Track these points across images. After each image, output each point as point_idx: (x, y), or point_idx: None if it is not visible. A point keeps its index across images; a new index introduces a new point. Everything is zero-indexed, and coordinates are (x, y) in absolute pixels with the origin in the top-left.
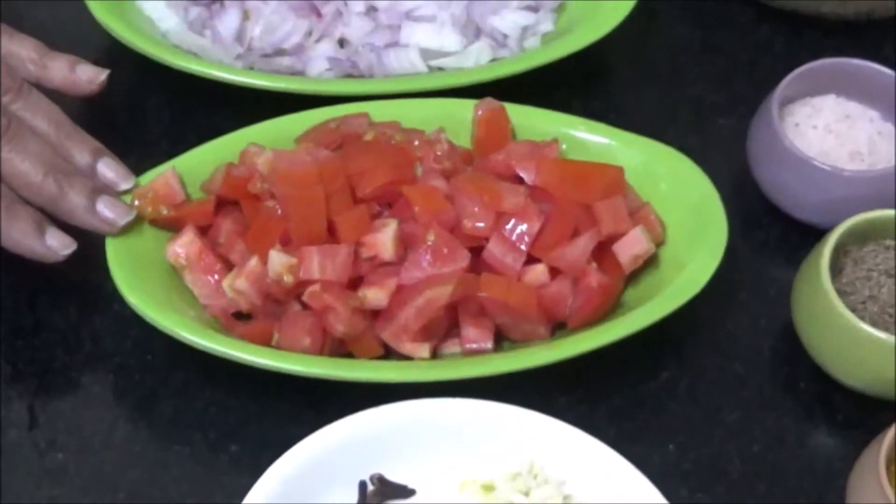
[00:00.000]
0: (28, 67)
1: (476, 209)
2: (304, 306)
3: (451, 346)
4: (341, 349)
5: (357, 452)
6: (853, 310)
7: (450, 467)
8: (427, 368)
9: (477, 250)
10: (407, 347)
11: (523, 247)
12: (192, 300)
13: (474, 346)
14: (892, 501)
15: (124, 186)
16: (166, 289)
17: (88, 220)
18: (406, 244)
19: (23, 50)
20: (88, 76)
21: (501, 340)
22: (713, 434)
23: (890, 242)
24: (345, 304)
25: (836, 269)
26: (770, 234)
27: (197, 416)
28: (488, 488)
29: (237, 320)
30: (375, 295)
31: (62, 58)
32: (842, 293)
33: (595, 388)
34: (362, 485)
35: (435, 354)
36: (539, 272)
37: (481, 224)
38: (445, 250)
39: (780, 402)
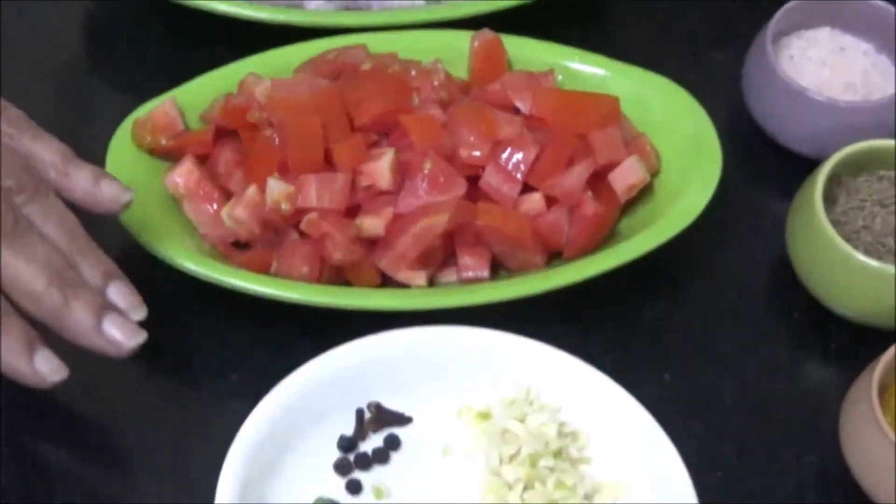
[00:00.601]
0: (49, 173)
1: (472, 138)
2: (302, 235)
3: (448, 275)
4: (339, 278)
5: (354, 380)
6: (847, 240)
7: (446, 395)
8: (424, 296)
9: (473, 179)
10: (404, 275)
11: (519, 175)
12: (190, 230)
13: (471, 274)
14: (885, 429)
15: (135, 318)
16: (165, 218)
17: (93, 340)
18: (403, 173)
19: (46, 153)
20: (112, 195)
21: (498, 270)
22: (707, 363)
23: (884, 173)
24: (342, 232)
25: (830, 200)
26: (765, 166)
27: (197, 345)
28: (485, 416)
29: (236, 249)
30: (372, 223)
31: (86, 169)
32: (836, 223)
33: (590, 318)
34: (359, 412)
35: (432, 283)
36: (535, 201)
37: (477, 153)
38: (442, 179)
39: (775, 331)
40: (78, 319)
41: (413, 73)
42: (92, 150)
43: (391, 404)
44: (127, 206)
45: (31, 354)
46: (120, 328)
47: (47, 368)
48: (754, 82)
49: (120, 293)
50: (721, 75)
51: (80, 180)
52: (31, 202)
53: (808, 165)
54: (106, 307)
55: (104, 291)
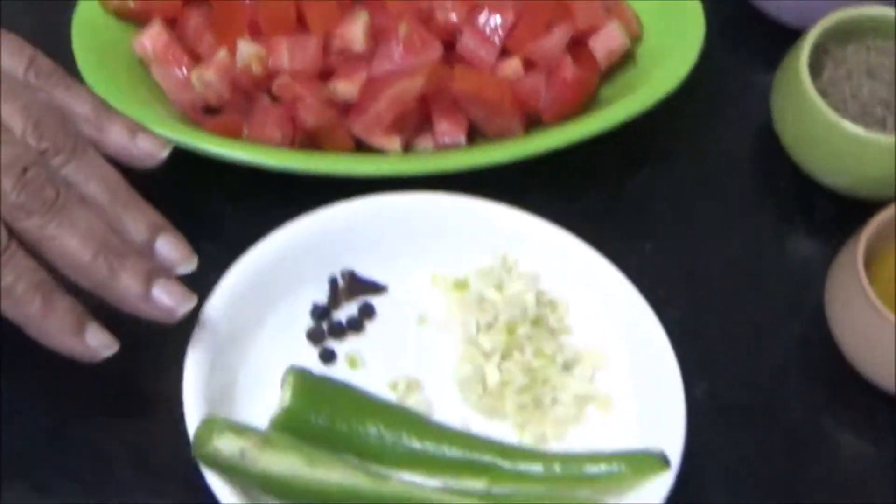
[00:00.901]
0: (82, 127)
1: (449, 1)
2: (274, 100)
3: (424, 142)
4: (312, 144)
5: (327, 248)
6: (834, 109)
7: (423, 263)
8: (399, 162)
9: (450, 44)
10: (378, 140)
11: (497, 40)
12: (160, 95)
13: (447, 140)
14: (871, 297)
15: (184, 269)
16: (134, 84)
17: (142, 307)
18: (377, 36)
19: (80, 105)
20: (148, 149)
21: (476, 137)
22: (691, 234)
23: (872, 43)
24: (315, 95)
25: (816, 70)
26: (750, 37)
27: (167, 214)
28: (461, 284)
29: (206, 115)
30: (346, 87)
31: (121, 121)
32: (822, 93)
33: (571, 187)
34: (333, 281)
35: (407, 150)
36: (513, 65)
37: (454, 15)
38: (417, 42)
39: (759, 202)
40: (126, 288)
41: None
42: (58, 14)
43: (366, 273)
44: (162, 161)
45: (81, 331)
46: (169, 294)
47: (98, 343)
48: None
49: (169, 245)
50: None
51: (116, 134)
52: (70, 162)
53: (795, 35)
54: (154, 273)
55: (152, 245)
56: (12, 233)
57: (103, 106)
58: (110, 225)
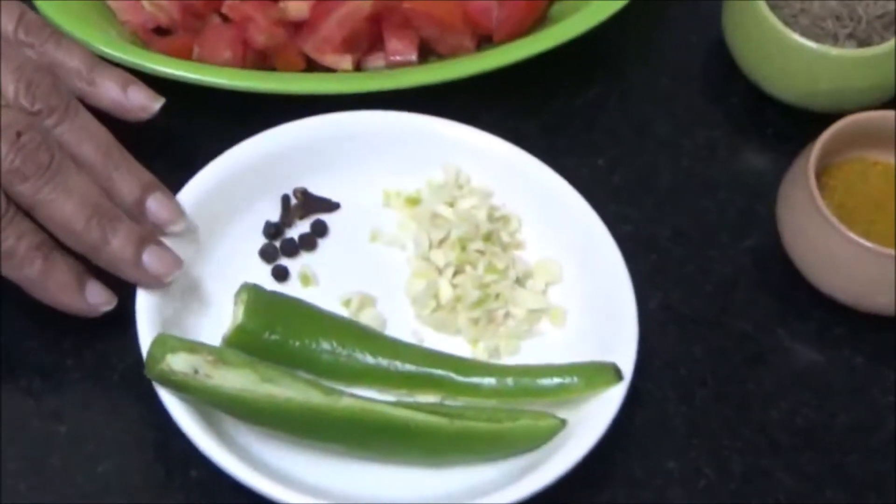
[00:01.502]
0: (74, 82)
1: None
2: (225, 20)
3: (376, 60)
4: (263, 64)
5: (279, 166)
6: (785, 23)
7: (375, 180)
8: (350, 80)
9: None
10: (329, 59)
11: None
12: (110, 17)
13: (399, 58)
14: (822, 209)
15: (175, 228)
16: (84, 6)
17: (132, 272)
18: None
19: (70, 60)
20: (141, 102)
21: (427, 56)
22: (643, 148)
23: None
24: (265, 15)
25: None
26: None
27: (118, 134)
28: (413, 200)
29: (157, 36)
30: (296, 6)
31: (113, 74)
32: (773, 7)
33: (523, 103)
34: (285, 198)
35: (359, 69)
36: None
37: None
38: None
39: (711, 116)
40: (117, 253)
41: None
42: None
43: (318, 190)
44: (155, 113)
45: (81, 288)
46: (159, 259)
47: (98, 300)
48: None
49: (160, 203)
50: None
51: (108, 88)
52: (62, 123)
53: None
54: (145, 238)
55: (143, 204)
56: (8, 197)
57: (95, 60)
58: (102, 185)
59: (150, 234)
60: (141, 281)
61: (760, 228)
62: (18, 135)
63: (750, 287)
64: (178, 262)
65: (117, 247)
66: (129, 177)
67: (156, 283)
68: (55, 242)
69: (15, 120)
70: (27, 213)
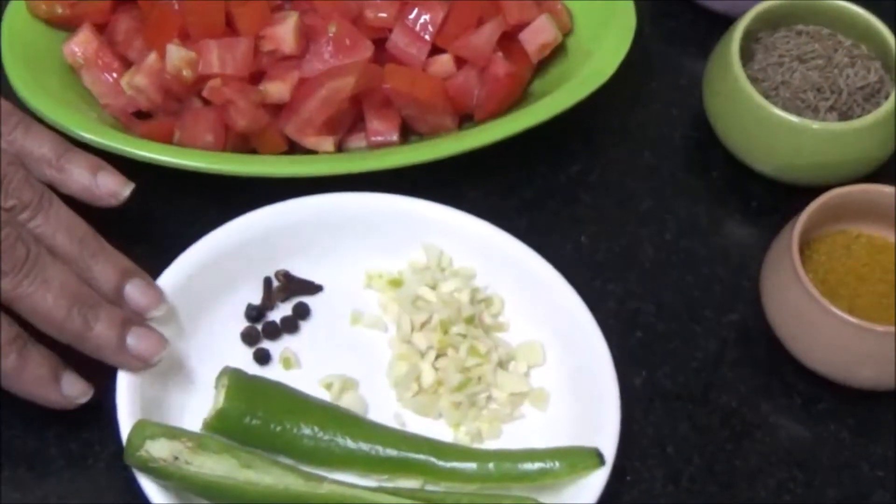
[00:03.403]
0: (43, 170)
1: None
2: (206, 102)
3: (357, 141)
4: (245, 146)
5: (261, 248)
6: (765, 96)
7: (357, 262)
8: (332, 162)
9: (381, 42)
10: (311, 141)
11: (427, 36)
12: (91, 101)
13: (380, 138)
14: (806, 283)
15: (155, 314)
16: (64, 89)
17: (118, 357)
18: (307, 36)
19: (39, 147)
20: (110, 188)
21: (409, 135)
22: (625, 224)
23: (802, 27)
24: (246, 98)
25: (747, 57)
26: (681, 23)
27: (101, 217)
28: (396, 283)
29: (137, 119)
30: (277, 88)
31: (82, 161)
32: (754, 80)
33: (505, 181)
34: (267, 281)
35: (341, 149)
36: (444, 62)
37: (384, 14)
38: (347, 41)
39: (693, 190)
40: (101, 338)
41: None
42: None
43: (300, 272)
44: (124, 199)
45: (56, 381)
46: (144, 340)
47: (74, 391)
48: None
49: (138, 290)
50: None
51: (77, 175)
52: (37, 216)
53: (725, 22)
54: (127, 321)
55: (121, 290)
56: None
57: (64, 146)
58: (80, 275)
59: (133, 316)
60: (127, 364)
61: (744, 302)
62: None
63: (735, 362)
64: (162, 341)
65: (100, 332)
66: (106, 265)
67: (142, 366)
68: (31, 335)
69: None
70: (4, 307)
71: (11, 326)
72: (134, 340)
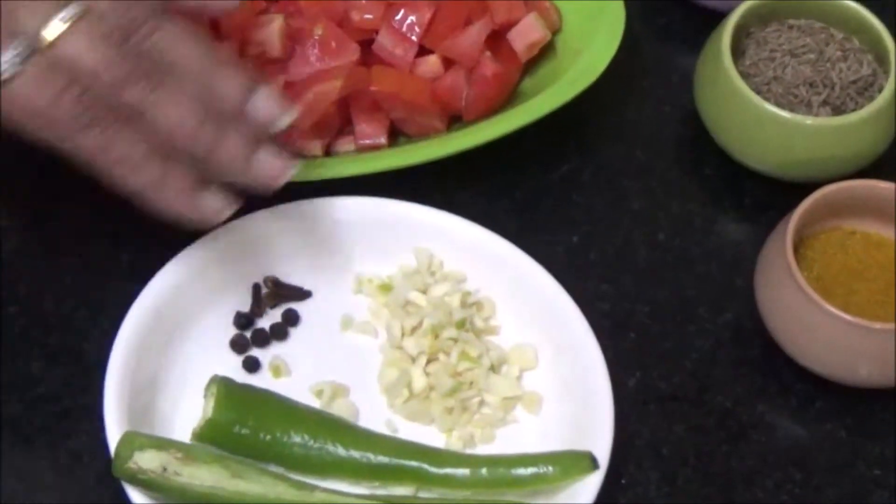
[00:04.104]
0: None
1: (364, 0)
2: None
3: (345, 144)
4: None
5: (249, 255)
6: (758, 92)
7: (346, 267)
8: (319, 166)
9: (367, 44)
10: (299, 145)
11: (414, 37)
12: None
13: (368, 141)
14: (801, 282)
15: (284, 123)
16: None
17: (245, 175)
18: (293, 39)
19: None
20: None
21: (397, 137)
22: (618, 224)
23: (794, 22)
24: None
25: (738, 52)
26: (671, 20)
27: (87, 225)
28: (386, 287)
29: None
30: None
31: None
32: (745, 76)
33: (496, 183)
34: (256, 288)
35: (328, 153)
36: (432, 63)
37: (370, 15)
38: (334, 44)
39: (686, 188)
40: (231, 152)
41: None
42: None
43: (289, 279)
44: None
45: (197, 194)
46: (272, 160)
47: (215, 206)
48: None
49: (265, 99)
50: None
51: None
52: (160, 28)
53: (716, 18)
54: (257, 139)
55: (249, 100)
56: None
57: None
58: (206, 86)
59: (261, 136)
60: (254, 181)
61: (739, 302)
62: (124, 40)
63: (729, 362)
64: (290, 164)
65: (230, 147)
66: (232, 76)
67: (269, 183)
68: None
69: (119, 26)
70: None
71: (150, 140)
72: (264, 156)
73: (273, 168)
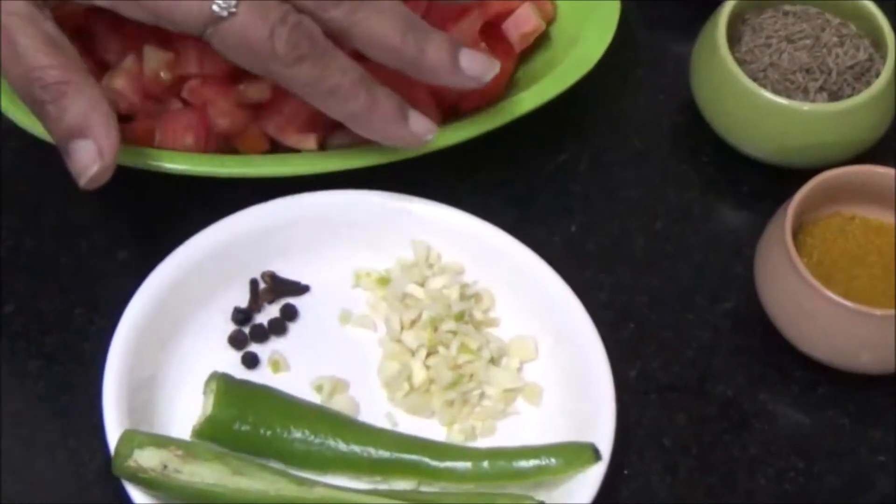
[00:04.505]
0: None
1: None
2: (185, 104)
3: (340, 138)
4: (226, 146)
5: (246, 250)
6: (754, 78)
7: (344, 261)
8: (315, 160)
9: None
10: (293, 139)
11: None
12: None
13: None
14: (800, 268)
15: (490, 75)
16: None
17: (453, 77)
18: None
19: None
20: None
21: None
22: (615, 213)
23: (789, 7)
24: (226, 98)
25: (734, 39)
26: (666, 8)
27: (83, 223)
28: (384, 281)
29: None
30: (257, 88)
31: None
32: (741, 62)
33: (492, 174)
34: (253, 283)
35: (323, 147)
36: None
37: None
38: None
39: (683, 176)
40: (436, 60)
41: None
42: None
43: (287, 273)
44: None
45: (404, 117)
46: (476, 61)
47: (422, 128)
48: None
49: (468, 57)
50: None
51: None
52: None
53: (712, 5)
54: (458, 44)
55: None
56: (323, 32)
57: None
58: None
59: (460, 42)
60: (460, 84)
61: (738, 289)
62: None
63: (730, 351)
64: (494, 63)
65: (434, 55)
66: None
67: (475, 84)
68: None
69: None
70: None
71: (356, 67)
72: (467, 61)
73: (480, 63)
